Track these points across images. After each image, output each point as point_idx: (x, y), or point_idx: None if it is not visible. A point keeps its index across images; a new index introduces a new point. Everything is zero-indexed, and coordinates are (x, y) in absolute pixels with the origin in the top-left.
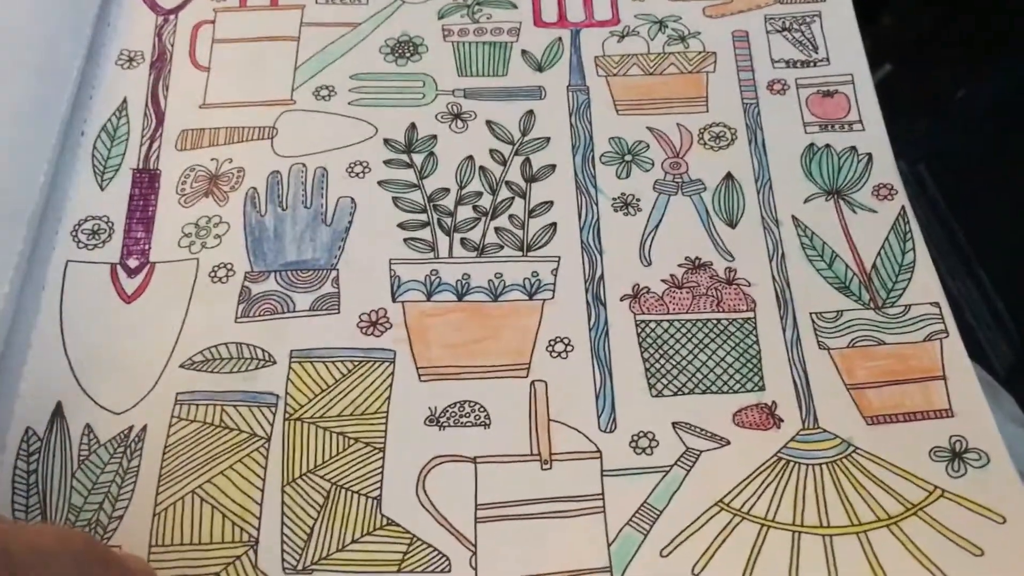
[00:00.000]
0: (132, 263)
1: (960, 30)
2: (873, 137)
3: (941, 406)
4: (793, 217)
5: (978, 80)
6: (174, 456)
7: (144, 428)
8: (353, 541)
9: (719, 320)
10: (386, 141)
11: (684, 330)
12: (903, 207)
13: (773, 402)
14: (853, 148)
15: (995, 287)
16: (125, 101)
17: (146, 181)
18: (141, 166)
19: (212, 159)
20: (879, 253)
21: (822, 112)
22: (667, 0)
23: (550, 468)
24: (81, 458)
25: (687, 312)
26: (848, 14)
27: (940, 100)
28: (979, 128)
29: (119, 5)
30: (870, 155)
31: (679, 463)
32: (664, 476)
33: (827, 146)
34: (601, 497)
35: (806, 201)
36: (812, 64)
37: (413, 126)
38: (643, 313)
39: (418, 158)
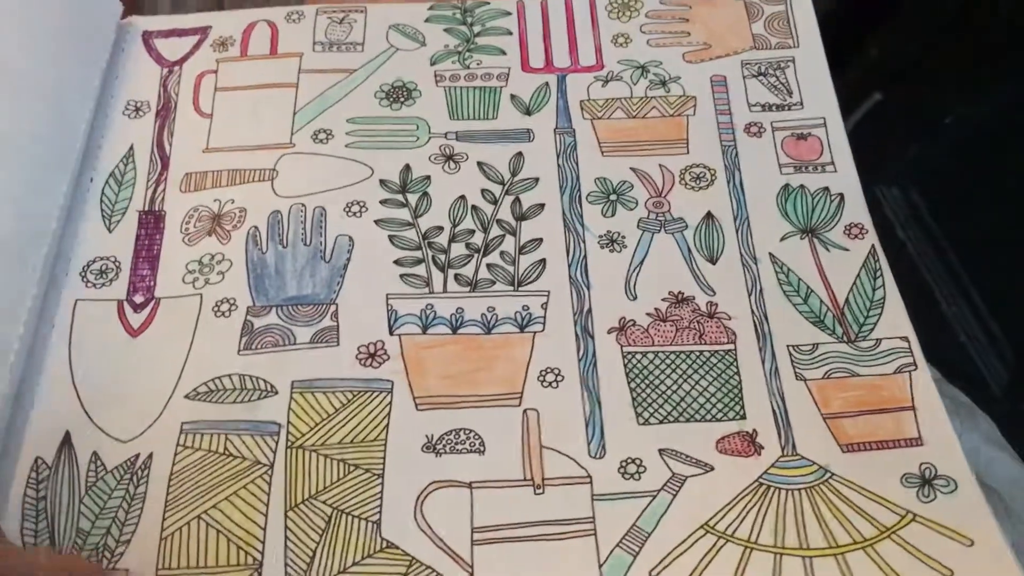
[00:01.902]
0: (138, 299)
1: (946, 57)
2: (845, 178)
3: (911, 435)
4: (770, 254)
5: (966, 105)
6: (180, 483)
7: (150, 456)
8: (354, 564)
9: (701, 352)
10: (382, 182)
11: (668, 361)
12: (873, 246)
13: (754, 430)
14: (826, 189)
15: (989, 308)
16: (132, 148)
17: (152, 222)
18: (147, 208)
19: (215, 200)
20: (851, 289)
21: (796, 154)
22: (649, 47)
23: (543, 493)
24: (88, 484)
25: (671, 344)
26: (820, 60)
27: (930, 126)
28: (969, 152)
29: (126, 58)
30: (842, 195)
31: (666, 488)
32: (652, 500)
33: (801, 187)
34: (592, 520)
35: (782, 239)
36: (786, 108)
37: (408, 167)
38: (629, 345)
39: (412, 198)
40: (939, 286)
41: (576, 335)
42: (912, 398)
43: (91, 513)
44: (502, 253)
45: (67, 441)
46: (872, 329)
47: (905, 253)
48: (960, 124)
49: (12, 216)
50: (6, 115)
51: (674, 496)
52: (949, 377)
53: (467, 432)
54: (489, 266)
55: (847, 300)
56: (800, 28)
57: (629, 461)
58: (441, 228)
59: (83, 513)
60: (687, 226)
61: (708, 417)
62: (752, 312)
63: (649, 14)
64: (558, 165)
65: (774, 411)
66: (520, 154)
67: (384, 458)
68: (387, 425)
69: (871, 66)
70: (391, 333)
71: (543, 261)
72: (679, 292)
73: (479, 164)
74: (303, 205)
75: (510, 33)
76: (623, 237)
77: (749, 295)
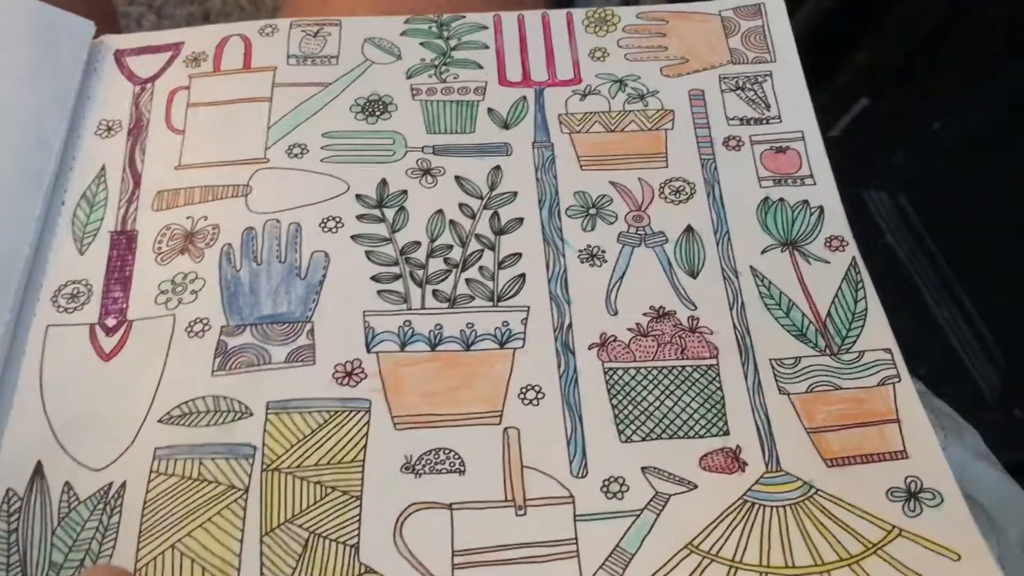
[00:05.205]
0: (110, 322)
1: (933, 63)
2: (824, 191)
3: (896, 448)
4: (751, 267)
5: (953, 111)
6: (154, 511)
7: (123, 484)
8: None
9: (684, 367)
10: (358, 196)
11: (651, 377)
12: (854, 258)
13: (737, 446)
14: (805, 202)
15: (979, 313)
16: (104, 168)
17: (124, 242)
18: (119, 228)
19: (188, 217)
20: (833, 302)
21: (775, 167)
22: (626, 60)
23: (524, 514)
24: (61, 516)
25: (653, 360)
26: (797, 74)
27: (918, 131)
28: (956, 158)
29: (98, 78)
30: (821, 208)
31: (649, 507)
32: (635, 520)
33: (781, 200)
34: (575, 541)
35: (763, 252)
36: (765, 121)
37: (384, 182)
38: (611, 361)
39: (389, 213)
40: (929, 291)
41: (557, 351)
42: (896, 410)
43: (64, 545)
44: (481, 268)
45: (39, 471)
46: (855, 342)
47: (894, 258)
48: (948, 129)
49: None
50: None
51: (658, 515)
52: (940, 384)
53: (447, 452)
54: (468, 281)
55: (829, 313)
56: (777, 42)
57: (612, 480)
58: (419, 243)
59: (56, 545)
60: (667, 240)
61: (691, 434)
62: (734, 326)
63: (626, 28)
64: (537, 179)
65: (757, 426)
66: (498, 168)
67: (362, 480)
68: (365, 445)
69: (858, 72)
70: (368, 351)
71: (523, 276)
72: (660, 307)
73: (457, 178)
74: (278, 221)
75: (487, 47)
76: (603, 251)
77: (731, 309)
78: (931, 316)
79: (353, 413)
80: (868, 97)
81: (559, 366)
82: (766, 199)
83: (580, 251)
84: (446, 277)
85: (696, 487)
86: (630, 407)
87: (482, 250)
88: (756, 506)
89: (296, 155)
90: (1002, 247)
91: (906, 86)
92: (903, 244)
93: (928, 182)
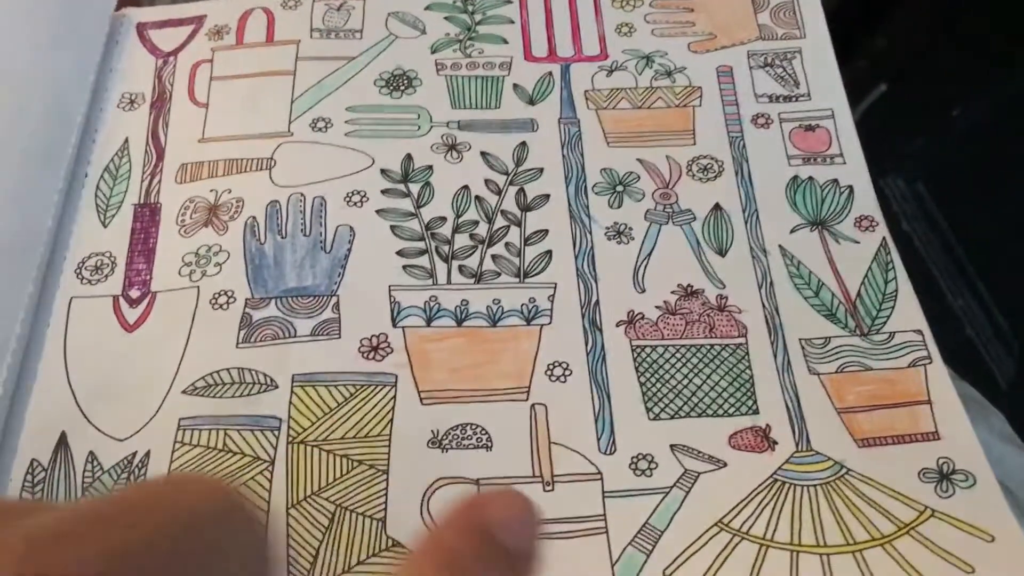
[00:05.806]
0: (134, 293)
1: (953, 48)
2: (854, 170)
3: (928, 429)
4: (780, 247)
5: (972, 98)
6: None
7: (147, 454)
8: (359, 562)
9: (712, 345)
10: (383, 171)
11: (679, 355)
12: (884, 238)
13: (767, 425)
14: (835, 181)
15: (995, 301)
16: (127, 141)
17: (147, 215)
18: (142, 201)
19: (211, 190)
20: (863, 282)
21: (805, 145)
22: (653, 36)
23: (552, 490)
24: (85, 485)
25: (681, 338)
26: (827, 51)
27: (936, 118)
28: (975, 145)
29: (121, 50)
30: (851, 187)
31: (678, 484)
32: (664, 497)
33: (810, 178)
34: (603, 518)
35: (792, 231)
36: (794, 99)
37: (409, 157)
38: (638, 338)
39: (415, 187)
40: (945, 279)
41: (584, 328)
42: (927, 392)
43: None
44: (507, 244)
45: (63, 441)
46: (885, 322)
47: (911, 246)
48: (967, 116)
49: (9, 215)
50: (1, 114)
51: (687, 493)
52: (955, 371)
53: (474, 427)
54: (494, 257)
55: (859, 293)
56: (807, 19)
57: (640, 457)
58: (444, 219)
59: None
60: (695, 218)
61: (720, 412)
62: (763, 305)
63: (653, 3)
64: (563, 155)
65: (787, 406)
66: (524, 144)
67: (388, 454)
68: (391, 420)
69: (877, 57)
70: (394, 325)
71: (549, 253)
72: (688, 285)
73: (482, 154)
74: (302, 195)
75: (512, 22)
76: (630, 229)
77: (760, 288)
78: (947, 304)
79: (379, 387)
80: (887, 83)
81: (586, 343)
82: (795, 177)
83: (607, 228)
84: (472, 253)
85: (726, 465)
86: (658, 385)
87: (508, 226)
88: (787, 485)
89: (320, 129)
90: (1020, 236)
91: (925, 72)
92: (919, 232)
93: (946, 169)
